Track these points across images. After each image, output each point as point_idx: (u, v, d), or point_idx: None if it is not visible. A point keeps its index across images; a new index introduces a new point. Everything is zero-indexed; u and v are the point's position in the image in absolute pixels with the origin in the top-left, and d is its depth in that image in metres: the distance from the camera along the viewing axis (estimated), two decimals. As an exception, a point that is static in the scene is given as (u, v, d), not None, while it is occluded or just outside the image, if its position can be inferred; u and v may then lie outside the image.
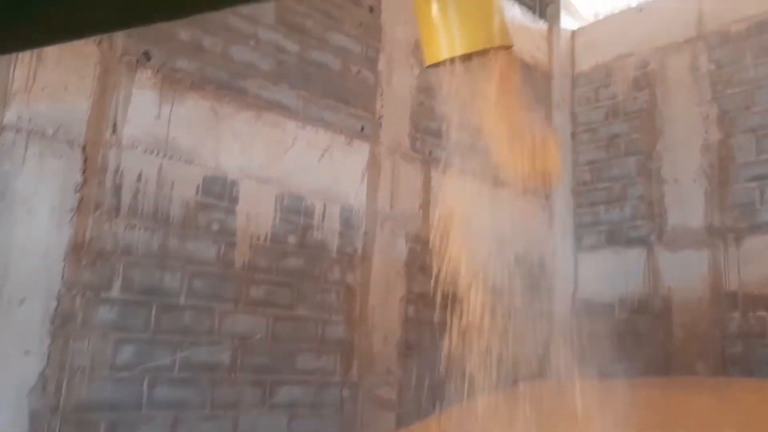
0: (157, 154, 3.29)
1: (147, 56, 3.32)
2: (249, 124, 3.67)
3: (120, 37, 3.24)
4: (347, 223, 4.08)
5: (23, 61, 2.92)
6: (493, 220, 5.39)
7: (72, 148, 3.03)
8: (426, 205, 4.58)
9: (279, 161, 3.78)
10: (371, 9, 4.47)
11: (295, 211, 3.81)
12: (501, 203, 5.47)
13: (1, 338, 2.75)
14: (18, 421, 2.74)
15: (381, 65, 4.46)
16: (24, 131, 2.90)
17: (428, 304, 4.39)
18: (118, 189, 3.15)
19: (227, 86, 3.60)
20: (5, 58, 2.88)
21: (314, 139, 3.98)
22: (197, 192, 3.41)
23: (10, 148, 2.85)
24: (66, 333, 2.90)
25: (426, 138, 4.69)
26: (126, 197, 3.17)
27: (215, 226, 3.46)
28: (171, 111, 3.35)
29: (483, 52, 1.48)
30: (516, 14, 5.72)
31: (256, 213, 3.62)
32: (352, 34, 4.30)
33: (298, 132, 3.89)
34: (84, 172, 3.05)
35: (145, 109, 3.28)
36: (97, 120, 3.12)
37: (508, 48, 1.49)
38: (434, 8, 1.44)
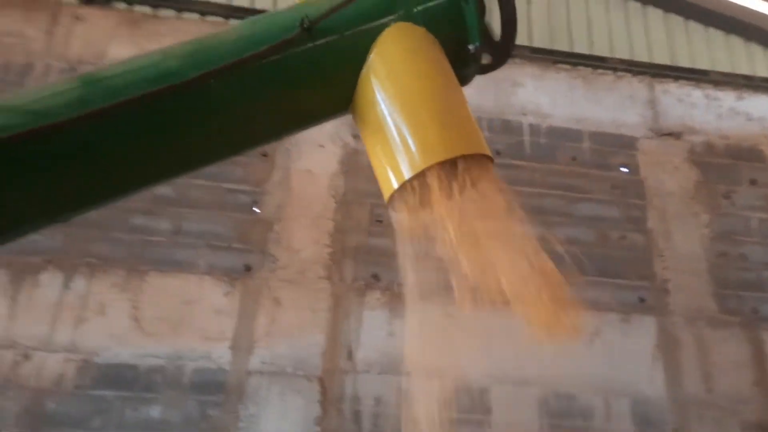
0: (393, 373, 3.17)
1: (376, 278, 3.39)
2: (489, 320, 3.35)
3: (349, 266, 3.40)
4: (644, 419, 3.25)
5: (264, 308, 3.22)
6: None
7: (310, 382, 3.11)
8: (764, 381, 3.45)
9: (535, 357, 3.30)
10: (625, 167, 3.98)
11: (566, 414, 3.20)
12: None
13: None
14: None
15: (651, 223, 3.80)
16: (267, 374, 3.09)
17: None
18: (357, 416, 3.07)
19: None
20: (250, 309, 3.22)
21: (576, 324, 3.43)
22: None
23: (255, 391, 3.05)
24: None
25: (743, 294, 3.69)
26: (366, 423, 3.06)
27: (467, 444, 3.07)
28: (401, 326, 3.27)
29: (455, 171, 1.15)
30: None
31: (516, 422, 3.14)
32: (605, 200, 3.82)
33: (552, 320, 3.41)
34: (322, 403, 3.07)
35: (376, 330, 3.26)
36: (332, 349, 3.19)
37: (481, 158, 1.14)
38: (376, 134, 1.18)
